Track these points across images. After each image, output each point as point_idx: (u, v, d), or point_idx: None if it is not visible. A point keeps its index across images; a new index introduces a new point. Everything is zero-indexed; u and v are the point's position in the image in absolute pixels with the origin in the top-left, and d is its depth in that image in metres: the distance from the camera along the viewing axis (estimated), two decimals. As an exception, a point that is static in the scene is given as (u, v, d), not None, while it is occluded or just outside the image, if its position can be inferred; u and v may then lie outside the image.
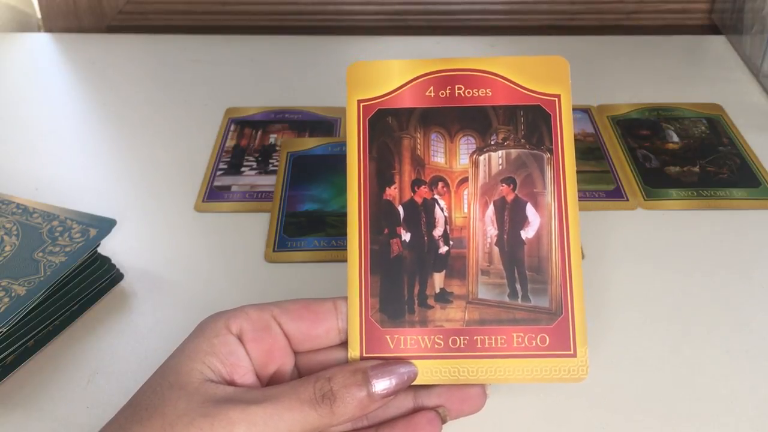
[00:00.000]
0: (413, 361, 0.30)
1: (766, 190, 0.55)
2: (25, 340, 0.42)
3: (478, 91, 0.32)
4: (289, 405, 0.28)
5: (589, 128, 0.62)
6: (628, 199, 0.54)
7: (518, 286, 0.31)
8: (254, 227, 0.52)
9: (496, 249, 0.31)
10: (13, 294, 0.41)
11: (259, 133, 0.62)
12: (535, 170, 0.31)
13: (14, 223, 0.46)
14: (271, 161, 0.59)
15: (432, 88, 0.33)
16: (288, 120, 0.64)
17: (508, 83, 0.33)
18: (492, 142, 0.32)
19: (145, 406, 0.29)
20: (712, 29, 0.78)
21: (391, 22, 0.80)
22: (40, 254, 0.43)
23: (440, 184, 0.32)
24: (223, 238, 0.52)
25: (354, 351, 0.31)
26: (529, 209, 0.31)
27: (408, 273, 0.31)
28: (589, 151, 0.59)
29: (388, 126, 0.32)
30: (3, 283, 0.41)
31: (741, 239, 0.51)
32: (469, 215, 0.31)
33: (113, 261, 0.47)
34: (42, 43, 0.78)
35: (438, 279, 0.31)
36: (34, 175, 0.57)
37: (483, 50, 0.75)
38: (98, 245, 0.45)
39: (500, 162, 0.32)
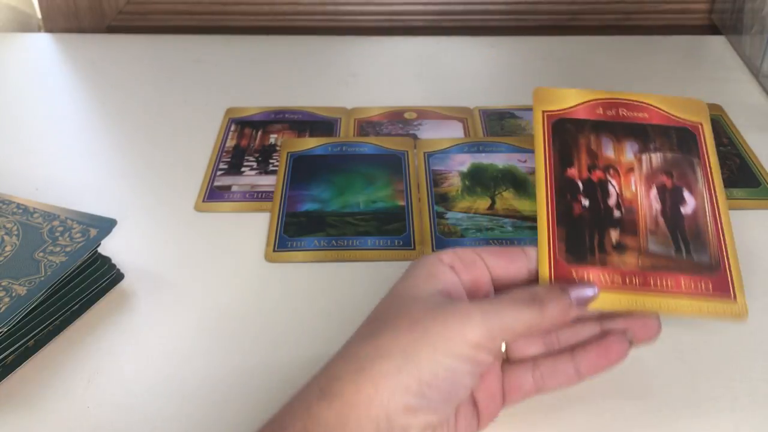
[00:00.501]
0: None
1: (765, 190, 0.55)
2: (25, 340, 0.42)
3: (637, 114, 0.41)
4: (509, 303, 0.34)
5: (589, 128, 0.62)
6: (628, 199, 0.54)
7: (682, 245, 0.37)
8: (254, 227, 0.52)
9: (660, 218, 0.38)
10: (13, 294, 0.41)
11: (260, 133, 0.62)
12: (688, 168, 0.39)
13: (15, 223, 0.46)
14: (271, 161, 0.59)
15: (601, 108, 0.41)
16: (288, 120, 0.64)
17: (661, 111, 0.41)
18: (652, 147, 0.40)
19: (387, 316, 0.34)
20: (712, 29, 0.79)
21: (391, 22, 0.80)
22: (41, 254, 0.43)
23: (611, 170, 0.39)
24: (223, 238, 0.52)
25: (544, 281, 0.37)
26: (686, 193, 0.38)
27: (588, 227, 0.37)
28: (589, 151, 0.59)
29: (566, 129, 0.40)
30: (3, 283, 0.42)
31: (740, 239, 0.51)
32: (636, 193, 0.38)
33: (114, 261, 0.47)
34: (42, 43, 0.78)
35: (614, 234, 0.37)
36: (34, 175, 0.57)
37: (483, 50, 0.75)
38: (99, 245, 0.45)
39: (659, 160, 0.39)
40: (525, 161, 0.57)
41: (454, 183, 0.56)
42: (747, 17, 0.71)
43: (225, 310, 0.46)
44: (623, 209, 0.38)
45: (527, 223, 0.52)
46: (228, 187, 0.56)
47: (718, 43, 0.75)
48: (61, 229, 0.45)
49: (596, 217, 0.37)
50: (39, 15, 0.82)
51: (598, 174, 0.38)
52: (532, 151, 0.57)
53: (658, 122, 0.41)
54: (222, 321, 0.45)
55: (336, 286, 0.48)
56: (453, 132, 0.62)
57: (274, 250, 0.50)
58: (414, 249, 0.50)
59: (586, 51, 0.74)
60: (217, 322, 0.45)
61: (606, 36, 0.77)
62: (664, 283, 0.36)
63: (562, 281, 0.37)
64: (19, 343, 0.41)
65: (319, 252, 0.50)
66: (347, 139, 0.61)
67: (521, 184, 0.55)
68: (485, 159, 0.58)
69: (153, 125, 0.64)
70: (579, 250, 0.37)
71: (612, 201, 0.38)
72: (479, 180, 0.56)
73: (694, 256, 0.37)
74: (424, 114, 0.64)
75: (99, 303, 0.46)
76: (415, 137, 0.61)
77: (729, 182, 0.56)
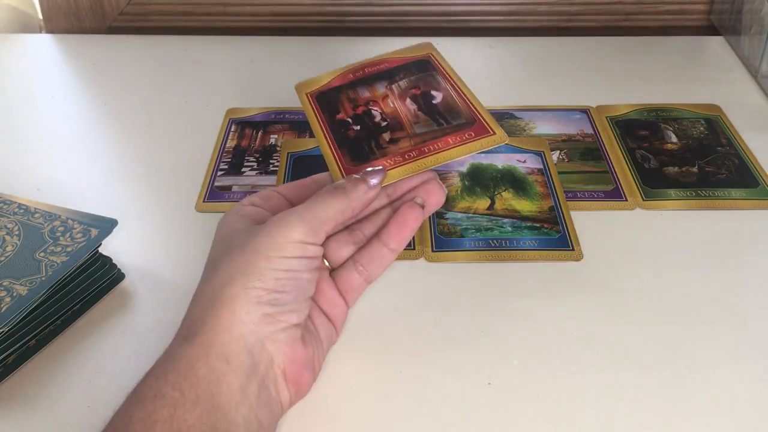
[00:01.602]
0: None
1: (764, 191, 0.55)
2: (26, 339, 0.42)
3: (379, 67, 0.49)
4: (318, 199, 0.38)
5: (588, 129, 0.62)
6: (626, 200, 0.54)
7: (441, 120, 0.44)
8: (255, 227, 0.52)
9: (419, 113, 0.45)
10: (14, 294, 0.41)
11: (260, 133, 0.62)
12: (430, 79, 0.48)
13: (16, 223, 0.46)
14: (271, 161, 0.59)
15: (351, 75, 0.48)
16: (288, 120, 0.64)
17: (397, 57, 0.50)
18: (397, 78, 0.48)
19: (218, 255, 0.37)
20: (711, 30, 0.79)
21: (391, 23, 0.80)
22: (42, 254, 0.44)
23: (370, 103, 0.46)
24: (223, 238, 0.52)
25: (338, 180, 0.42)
26: (433, 92, 0.46)
27: (364, 139, 0.44)
28: (588, 151, 0.59)
29: (327, 95, 0.47)
30: (5, 283, 0.42)
31: (739, 239, 0.51)
32: (395, 107, 0.46)
33: (114, 261, 0.47)
34: (43, 43, 0.78)
35: (385, 135, 0.44)
36: (35, 175, 0.58)
37: (482, 51, 0.75)
38: (99, 245, 0.45)
39: (406, 82, 0.48)
40: (524, 161, 0.58)
41: (453, 183, 0.56)
42: (746, 18, 0.71)
43: (225, 310, 0.46)
44: (388, 120, 0.45)
45: (527, 223, 0.52)
46: (228, 188, 0.56)
47: (716, 43, 0.75)
48: (62, 229, 0.45)
49: (367, 131, 0.44)
50: (40, 15, 0.82)
51: (361, 109, 0.46)
52: (531, 152, 0.57)
53: (398, 64, 0.49)
54: (222, 321, 0.45)
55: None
56: (452, 132, 0.62)
57: (274, 250, 0.50)
58: (414, 249, 0.50)
59: (585, 52, 0.74)
60: (218, 321, 0.45)
61: (605, 37, 0.78)
62: (436, 146, 0.42)
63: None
64: (21, 343, 0.42)
65: (319, 252, 0.50)
66: (347, 139, 0.61)
67: (520, 185, 0.55)
68: (485, 159, 0.58)
69: (154, 126, 0.64)
70: (360, 155, 0.43)
71: (377, 119, 0.45)
72: (479, 180, 0.56)
73: (452, 122, 0.44)
74: (424, 114, 0.64)
75: (100, 303, 0.46)
76: (414, 138, 0.61)
77: (727, 182, 0.56)
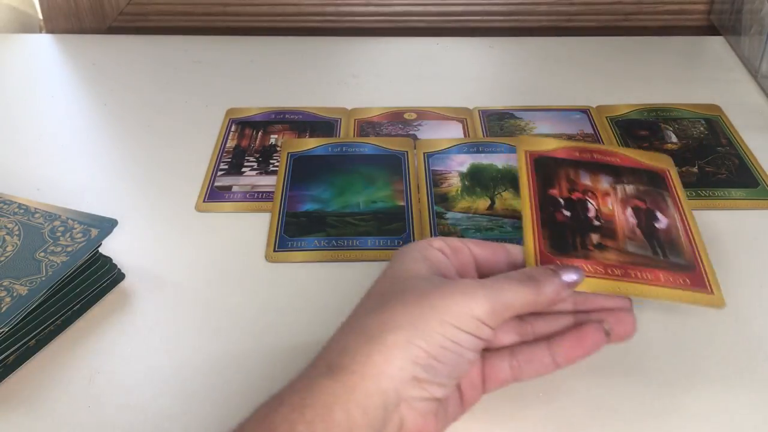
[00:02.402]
0: None
1: (764, 191, 0.55)
2: (26, 339, 0.42)
3: (609, 158, 0.45)
4: (507, 282, 0.35)
5: (588, 129, 0.62)
6: (626, 200, 0.54)
7: (659, 249, 0.40)
8: (255, 227, 0.52)
9: (637, 230, 0.41)
10: (14, 294, 0.41)
11: (260, 133, 0.62)
12: (659, 197, 0.44)
13: (16, 223, 0.46)
14: (271, 161, 0.59)
15: (577, 152, 0.45)
16: (288, 120, 0.64)
17: (630, 157, 0.46)
18: (624, 180, 0.44)
19: (391, 291, 0.35)
20: (711, 30, 0.79)
21: (391, 23, 0.81)
22: (42, 254, 0.44)
23: (589, 193, 0.43)
24: (223, 238, 0.52)
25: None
26: (659, 214, 0.42)
27: (570, 229, 0.40)
28: (588, 151, 0.59)
29: (547, 163, 0.44)
30: (5, 283, 0.42)
31: (739, 239, 0.51)
32: (613, 210, 0.42)
33: (114, 261, 0.47)
34: (43, 44, 0.78)
35: (594, 237, 0.40)
36: (35, 175, 0.58)
37: (482, 51, 0.75)
38: (99, 245, 0.45)
39: (632, 190, 0.44)
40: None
41: (453, 183, 0.56)
42: (745, 18, 0.71)
43: (225, 310, 0.46)
44: (602, 220, 0.41)
45: (527, 223, 0.52)
46: (228, 188, 0.56)
47: (716, 43, 0.75)
48: (62, 229, 0.45)
49: (577, 223, 0.40)
50: (40, 16, 0.82)
51: (577, 194, 0.42)
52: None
53: (629, 165, 0.45)
54: (222, 321, 0.45)
55: (336, 286, 0.48)
56: (453, 132, 0.62)
57: (274, 250, 0.50)
58: (414, 249, 0.50)
59: (585, 52, 0.74)
60: (218, 321, 0.45)
61: (605, 37, 0.78)
62: (644, 275, 0.38)
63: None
64: (21, 343, 0.42)
65: (319, 252, 0.50)
66: (347, 139, 0.61)
67: (521, 185, 0.55)
68: (485, 159, 0.58)
69: (154, 126, 0.64)
70: (562, 245, 0.39)
71: (591, 214, 0.41)
72: (479, 180, 0.56)
73: (670, 258, 0.40)
74: (424, 115, 0.65)
75: (100, 303, 0.46)
76: (414, 138, 0.61)
77: (727, 183, 0.56)
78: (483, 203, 0.54)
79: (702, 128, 0.62)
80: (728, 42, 0.75)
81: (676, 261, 0.39)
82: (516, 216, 0.52)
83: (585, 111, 0.65)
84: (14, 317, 0.40)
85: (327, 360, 0.33)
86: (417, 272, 0.36)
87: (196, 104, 0.66)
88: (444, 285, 0.35)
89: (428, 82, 0.70)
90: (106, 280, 0.47)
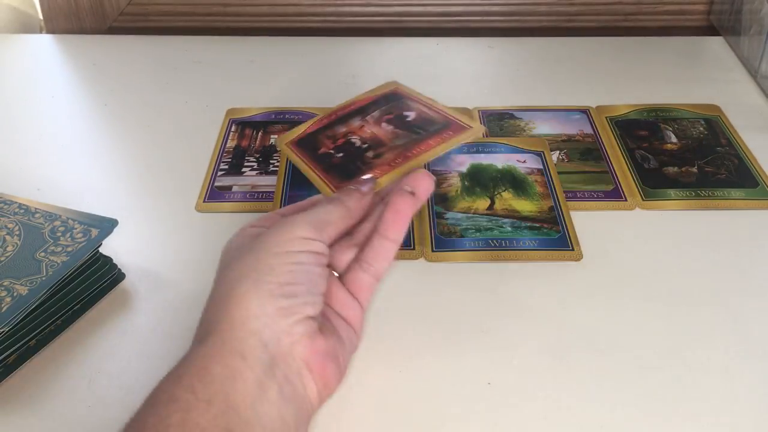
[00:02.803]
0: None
1: (764, 191, 0.55)
2: (26, 339, 0.42)
3: (348, 107, 0.50)
4: (319, 207, 0.39)
5: (588, 129, 0.62)
6: (626, 200, 0.54)
7: (418, 129, 0.46)
8: (255, 227, 0.52)
9: (396, 129, 0.47)
10: (15, 294, 0.41)
11: (260, 133, 0.62)
12: (399, 104, 0.49)
13: (16, 223, 0.46)
14: (271, 162, 0.59)
15: (324, 120, 0.49)
16: (288, 120, 0.64)
17: (364, 97, 0.51)
18: (369, 112, 0.49)
19: (228, 262, 0.38)
20: (711, 30, 0.79)
21: (390, 23, 0.81)
22: (42, 254, 0.44)
23: (349, 134, 0.47)
24: (224, 238, 0.52)
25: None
26: (406, 112, 0.48)
27: (350, 162, 0.45)
28: (587, 151, 0.59)
29: (306, 140, 0.48)
30: (5, 283, 0.42)
31: (739, 239, 0.51)
32: (373, 132, 0.47)
33: (115, 261, 0.47)
34: (44, 44, 0.78)
35: (369, 154, 0.45)
36: (36, 175, 0.58)
37: (482, 51, 0.75)
38: (100, 245, 0.45)
39: (378, 113, 0.49)
40: (524, 162, 0.58)
41: (453, 183, 0.56)
42: (745, 18, 0.71)
43: (225, 310, 0.46)
44: (369, 142, 0.46)
45: (526, 223, 0.52)
46: (229, 188, 0.56)
47: (716, 44, 0.75)
48: (62, 229, 0.46)
49: (351, 155, 0.46)
50: (40, 16, 0.82)
51: (340, 140, 0.47)
52: (531, 152, 0.58)
53: (366, 102, 0.50)
54: (222, 321, 0.45)
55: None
56: (452, 132, 0.62)
57: (274, 250, 0.50)
58: (414, 249, 0.50)
59: (585, 52, 0.74)
60: (218, 321, 0.45)
61: (604, 37, 0.78)
62: (419, 149, 0.44)
63: None
64: (21, 343, 0.42)
65: (319, 252, 0.50)
66: (347, 139, 0.61)
67: (520, 185, 0.55)
68: (484, 159, 0.58)
69: (154, 126, 0.64)
70: (348, 173, 0.44)
71: (358, 144, 0.46)
72: (478, 180, 0.56)
73: (429, 129, 0.46)
74: (424, 115, 0.65)
75: (100, 303, 0.47)
76: (414, 138, 0.61)
77: (727, 183, 0.56)
78: (483, 203, 0.54)
79: (701, 128, 0.62)
80: (728, 42, 0.75)
81: (435, 128, 0.46)
82: (515, 216, 0.53)
83: (585, 111, 0.65)
84: (14, 317, 0.40)
85: (196, 338, 0.35)
86: (241, 243, 0.39)
87: (196, 104, 0.67)
88: (267, 230, 0.38)
89: (428, 82, 0.70)
90: (107, 280, 0.47)
